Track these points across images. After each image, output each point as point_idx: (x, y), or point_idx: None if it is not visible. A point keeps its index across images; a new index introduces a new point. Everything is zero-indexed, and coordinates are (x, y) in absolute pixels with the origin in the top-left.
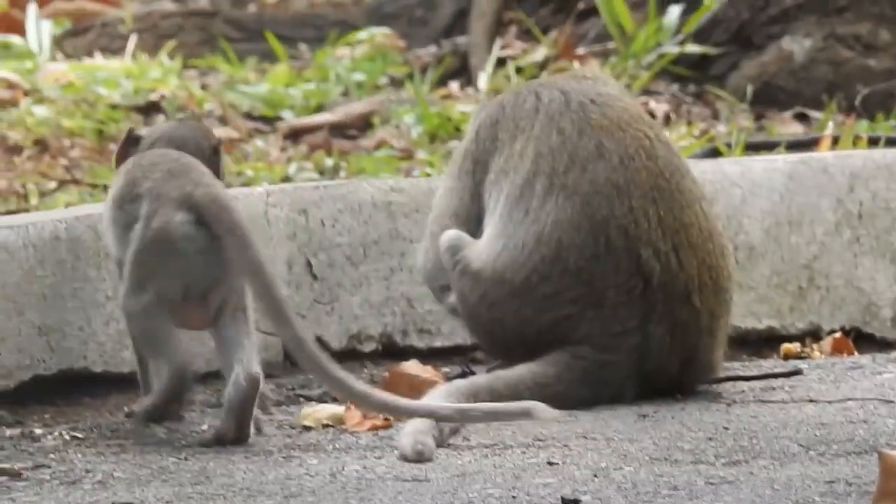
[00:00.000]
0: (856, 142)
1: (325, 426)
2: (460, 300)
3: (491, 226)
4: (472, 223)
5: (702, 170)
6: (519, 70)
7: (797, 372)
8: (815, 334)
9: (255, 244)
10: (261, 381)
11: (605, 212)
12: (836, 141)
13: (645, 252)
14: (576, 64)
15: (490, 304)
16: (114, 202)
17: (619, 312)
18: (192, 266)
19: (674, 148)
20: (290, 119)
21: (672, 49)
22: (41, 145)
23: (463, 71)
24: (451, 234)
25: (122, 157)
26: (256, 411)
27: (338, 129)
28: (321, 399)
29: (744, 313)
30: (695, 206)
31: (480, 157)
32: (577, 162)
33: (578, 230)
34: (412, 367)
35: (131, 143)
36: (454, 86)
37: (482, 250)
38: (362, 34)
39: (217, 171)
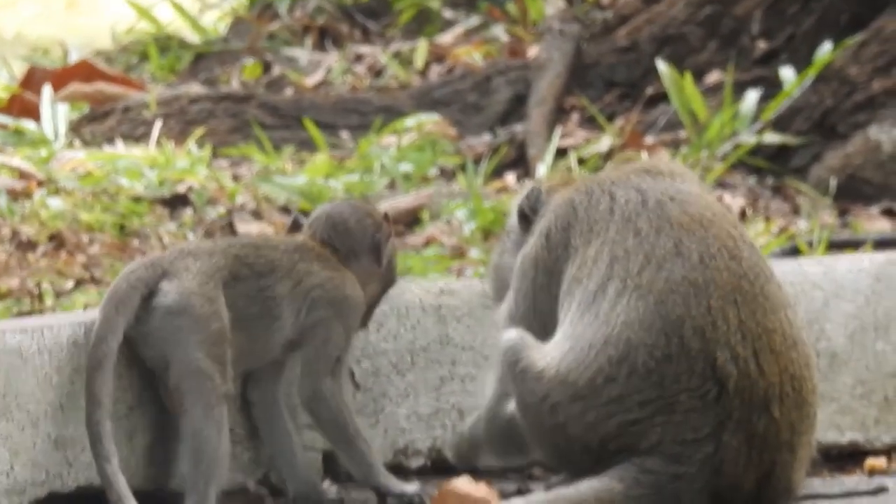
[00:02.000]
0: None
1: None
2: (520, 404)
3: (560, 332)
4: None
5: (781, 270)
6: (581, 161)
7: (883, 489)
8: None
9: (99, 329)
10: None
11: (679, 311)
12: None
13: (722, 355)
14: (644, 154)
15: (552, 408)
16: None
17: (692, 419)
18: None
19: (759, 250)
20: None
21: (749, 139)
22: (57, 241)
23: (520, 161)
24: (513, 334)
25: None
26: None
27: None
28: None
29: (825, 425)
30: (779, 313)
31: (554, 268)
32: (653, 261)
33: (650, 330)
34: (463, 484)
35: (295, 229)
36: (510, 178)
37: (547, 352)
38: (410, 121)
39: (379, 252)
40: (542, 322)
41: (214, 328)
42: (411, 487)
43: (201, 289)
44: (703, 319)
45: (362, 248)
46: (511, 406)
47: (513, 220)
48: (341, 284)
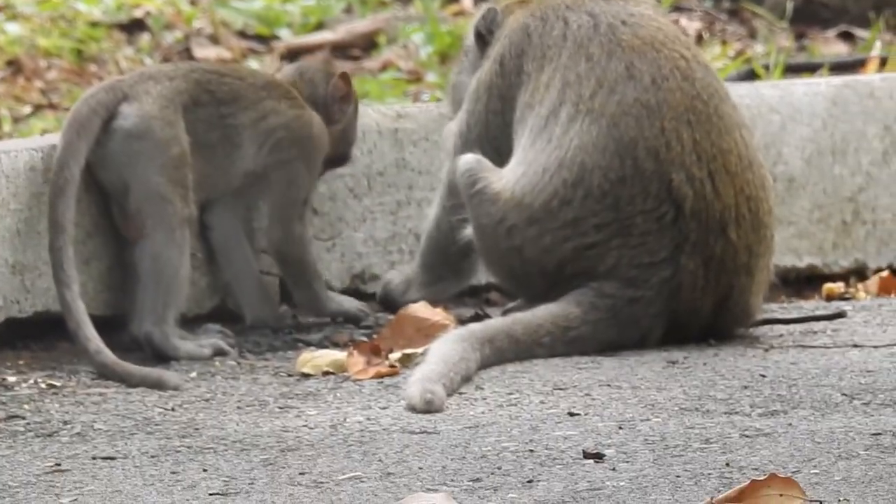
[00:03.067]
0: None
1: (326, 373)
2: (476, 227)
3: (514, 158)
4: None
5: (738, 94)
6: None
7: (840, 314)
8: (860, 273)
9: (61, 154)
10: (151, 340)
11: (633, 133)
12: (883, 62)
13: (677, 176)
14: None
15: (507, 231)
16: None
17: (648, 242)
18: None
19: (713, 71)
20: (287, 38)
21: None
22: (15, 66)
23: None
24: (470, 157)
25: None
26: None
27: (340, 50)
28: (321, 344)
29: (783, 250)
30: (734, 133)
31: (507, 93)
32: (604, 85)
33: (603, 152)
34: (421, 309)
35: None
36: (467, 1)
37: (503, 175)
38: None
39: (329, 108)
40: (495, 147)
41: (174, 152)
42: (352, 305)
43: (161, 112)
44: (657, 140)
45: (318, 99)
46: (456, 228)
47: (469, 40)
48: (308, 123)
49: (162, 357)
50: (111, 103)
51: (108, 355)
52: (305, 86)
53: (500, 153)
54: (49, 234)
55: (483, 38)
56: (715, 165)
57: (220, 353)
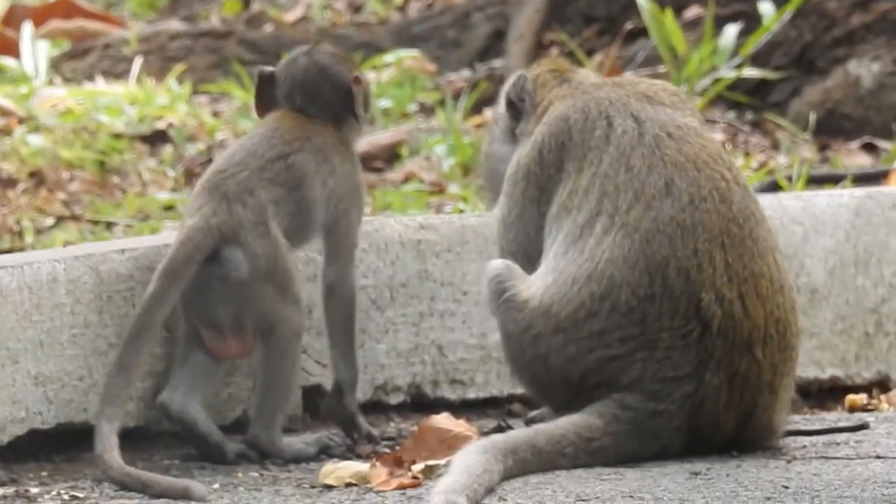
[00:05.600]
0: None
1: (349, 485)
2: (503, 333)
3: (545, 263)
4: (536, 259)
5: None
6: None
7: (863, 426)
8: (883, 384)
9: (148, 298)
10: (258, 444)
11: (665, 251)
12: None
13: (706, 296)
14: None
15: (533, 338)
16: None
17: (673, 357)
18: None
19: (751, 192)
20: None
21: (728, 73)
22: (37, 178)
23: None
24: (498, 263)
25: (261, 102)
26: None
27: (362, 161)
28: (344, 455)
29: (805, 362)
30: (767, 257)
31: (545, 186)
32: (641, 199)
33: (633, 268)
34: (443, 420)
35: (266, 84)
36: (490, 113)
37: (531, 283)
38: (389, 57)
39: (352, 105)
40: (527, 233)
41: (290, 279)
42: (363, 424)
43: (264, 249)
44: (689, 261)
45: (345, 113)
46: (496, 335)
47: (500, 108)
48: (352, 173)
49: (268, 458)
50: (208, 246)
51: (127, 469)
52: (323, 110)
53: (530, 239)
54: (113, 369)
55: (515, 107)
56: (746, 288)
57: (325, 449)
